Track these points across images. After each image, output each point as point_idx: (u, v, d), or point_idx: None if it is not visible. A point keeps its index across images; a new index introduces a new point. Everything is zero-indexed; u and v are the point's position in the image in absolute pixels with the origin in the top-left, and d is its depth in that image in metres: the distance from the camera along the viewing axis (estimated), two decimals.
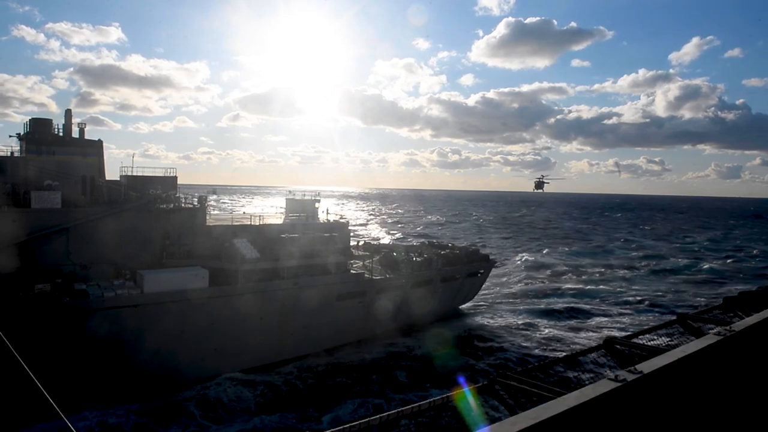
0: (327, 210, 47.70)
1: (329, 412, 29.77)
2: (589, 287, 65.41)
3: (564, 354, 6.21)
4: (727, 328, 6.10)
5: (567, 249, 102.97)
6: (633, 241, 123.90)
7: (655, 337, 6.96)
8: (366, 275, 41.07)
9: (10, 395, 20.34)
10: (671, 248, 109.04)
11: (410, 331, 42.79)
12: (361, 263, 43.51)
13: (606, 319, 50.55)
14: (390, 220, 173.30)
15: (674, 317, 7.95)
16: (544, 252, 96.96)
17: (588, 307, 55.15)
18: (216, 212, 58.66)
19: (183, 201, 37.10)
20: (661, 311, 53.52)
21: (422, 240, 75.84)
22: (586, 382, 4.41)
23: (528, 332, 45.07)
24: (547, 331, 45.60)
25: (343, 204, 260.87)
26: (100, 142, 37.37)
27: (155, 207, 34.92)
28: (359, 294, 40.04)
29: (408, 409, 4.22)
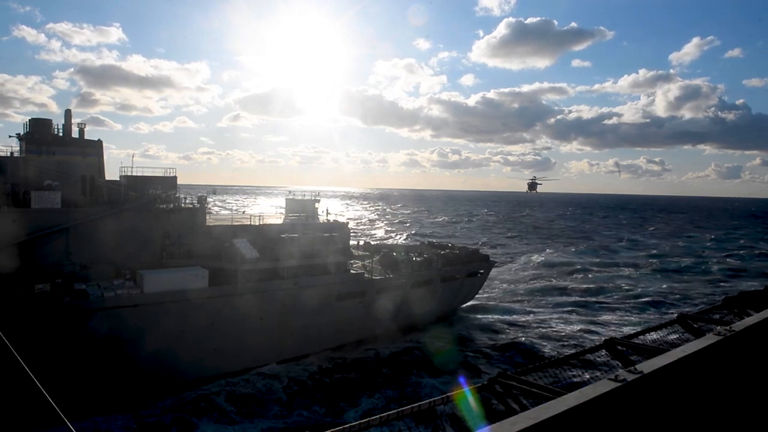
0: (327, 210, 47.75)
1: (355, 406, 30.47)
2: (591, 286, 65.45)
3: (564, 354, 6.21)
4: (727, 328, 6.10)
5: (569, 248, 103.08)
6: (635, 240, 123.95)
7: (655, 337, 6.96)
8: (366, 275, 41.08)
9: (10, 396, 20.32)
10: (673, 248, 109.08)
11: (410, 331, 42.80)
12: (361, 263, 43.53)
13: (608, 318, 50.52)
14: (397, 221, 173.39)
15: (674, 317, 7.95)
16: (547, 251, 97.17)
17: (590, 306, 55.14)
18: (225, 212, 58.66)
19: (183, 201, 37.12)
20: (664, 311, 53.52)
21: (433, 240, 75.77)
22: (586, 382, 4.41)
23: (529, 332, 45.05)
24: (548, 330, 45.56)
25: (348, 204, 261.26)
26: (99, 142, 37.43)
27: (155, 207, 34.94)
28: (359, 294, 40.04)
29: (408, 409, 4.22)
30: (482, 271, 52.33)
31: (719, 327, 6.28)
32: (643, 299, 58.82)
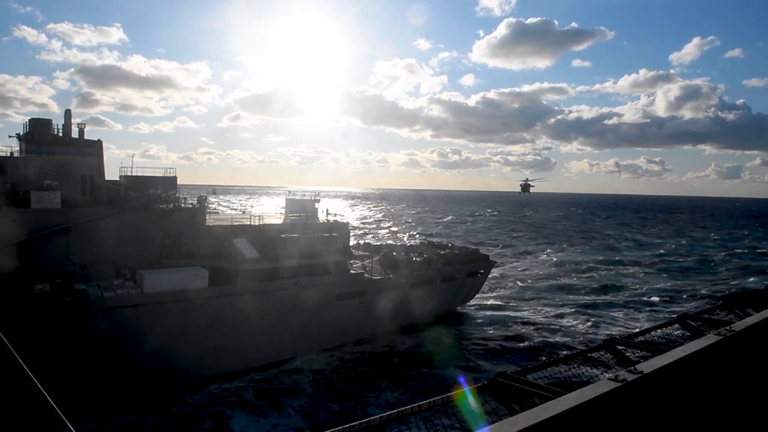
0: (327, 210, 47.77)
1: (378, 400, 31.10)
2: (592, 286, 65.43)
3: (564, 354, 6.21)
4: (727, 328, 6.10)
5: (570, 248, 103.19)
6: (637, 240, 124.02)
7: (656, 337, 6.96)
8: (366, 275, 41.09)
9: (10, 396, 20.32)
10: (675, 247, 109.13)
11: (410, 331, 42.80)
12: (361, 263, 43.55)
13: (610, 318, 50.44)
14: (403, 221, 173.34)
15: (675, 317, 7.96)
16: (552, 250, 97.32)
17: (592, 306, 55.04)
18: (230, 212, 58.64)
19: (183, 201, 37.16)
20: (666, 310, 53.44)
21: (433, 239, 75.79)
22: (587, 382, 4.41)
23: (529, 332, 45.01)
24: (548, 330, 45.52)
25: (353, 205, 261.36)
26: (99, 143, 37.49)
27: (155, 207, 34.97)
28: (359, 294, 40.05)
29: (408, 409, 4.22)
30: (482, 271, 52.34)
31: (719, 327, 6.28)
32: (648, 298, 58.78)
